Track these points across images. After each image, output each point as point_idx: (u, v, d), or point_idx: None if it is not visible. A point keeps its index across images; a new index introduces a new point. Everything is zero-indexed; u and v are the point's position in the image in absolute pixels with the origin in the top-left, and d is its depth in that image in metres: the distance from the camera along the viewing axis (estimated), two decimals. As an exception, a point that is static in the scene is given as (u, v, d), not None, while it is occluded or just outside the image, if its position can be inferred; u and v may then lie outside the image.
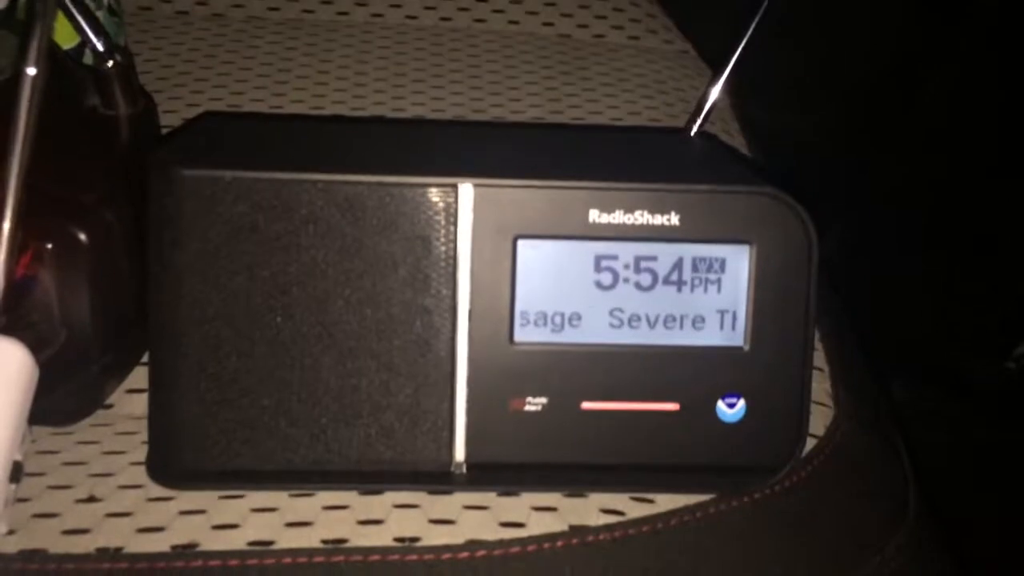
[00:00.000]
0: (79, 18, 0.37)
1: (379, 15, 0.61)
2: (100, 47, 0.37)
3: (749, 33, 0.41)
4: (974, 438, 0.80)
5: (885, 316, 0.79)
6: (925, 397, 0.82)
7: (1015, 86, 0.76)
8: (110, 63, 0.37)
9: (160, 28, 0.58)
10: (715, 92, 0.42)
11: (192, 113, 0.50)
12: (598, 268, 0.34)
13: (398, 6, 0.61)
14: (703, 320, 0.34)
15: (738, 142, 0.55)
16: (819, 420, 0.39)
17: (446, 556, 0.32)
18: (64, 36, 0.42)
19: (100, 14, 0.48)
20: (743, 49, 0.41)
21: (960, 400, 0.83)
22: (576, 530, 0.34)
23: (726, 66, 0.42)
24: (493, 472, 0.34)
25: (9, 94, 0.29)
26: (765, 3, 0.41)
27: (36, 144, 0.29)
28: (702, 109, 0.42)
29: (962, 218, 0.82)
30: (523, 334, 0.34)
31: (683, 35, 0.63)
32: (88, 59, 0.42)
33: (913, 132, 0.80)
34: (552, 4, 0.62)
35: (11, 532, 0.32)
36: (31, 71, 0.27)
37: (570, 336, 0.34)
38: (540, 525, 0.34)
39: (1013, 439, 0.78)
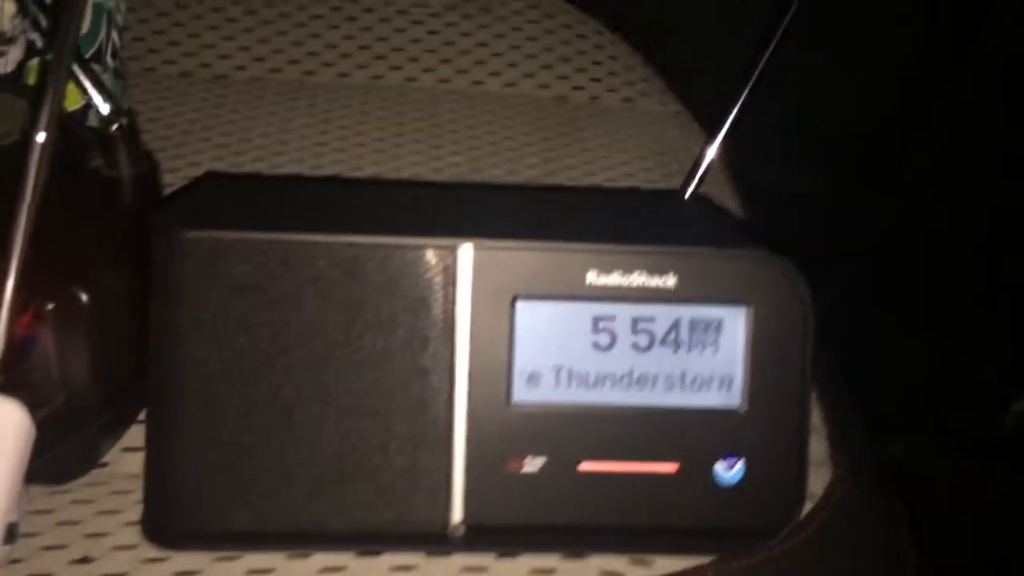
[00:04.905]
0: (85, 81, 0.38)
1: (379, 77, 0.62)
2: (105, 110, 0.38)
3: (744, 96, 0.42)
4: (973, 494, 0.79)
5: (882, 372, 0.79)
6: (923, 453, 0.82)
7: (1014, 138, 0.77)
8: (115, 126, 0.38)
9: (164, 88, 0.59)
10: (710, 154, 0.42)
11: (194, 173, 0.51)
12: (596, 329, 0.34)
13: (398, 68, 0.62)
14: (700, 381, 0.34)
15: (733, 203, 0.56)
16: (817, 480, 0.39)
17: (443, 620, 0.32)
18: (69, 98, 0.43)
19: (106, 76, 0.49)
20: (738, 111, 0.42)
21: (958, 456, 0.83)
22: (575, 593, 0.33)
23: (721, 128, 0.42)
24: (491, 534, 0.34)
25: (15, 157, 0.29)
26: (760, 67, 0.42)
27: (40, 205, 0.29)
28: (697, 171, 0.43)
29: (958, 272, 0.82)
30: (521, 395, 0.34)
31: (677, 97, 0.64)
32: (92, 120, 0.43)
33: (908, 187, 0.81)
34: (548, 67, 0.63)
35: (4, 594, 0.32)
36: (40, 137, 0.28)
37: (568, 397, 0.34)
38: (538, 588, 0.33)
39: (1012, 494, 0.78)
